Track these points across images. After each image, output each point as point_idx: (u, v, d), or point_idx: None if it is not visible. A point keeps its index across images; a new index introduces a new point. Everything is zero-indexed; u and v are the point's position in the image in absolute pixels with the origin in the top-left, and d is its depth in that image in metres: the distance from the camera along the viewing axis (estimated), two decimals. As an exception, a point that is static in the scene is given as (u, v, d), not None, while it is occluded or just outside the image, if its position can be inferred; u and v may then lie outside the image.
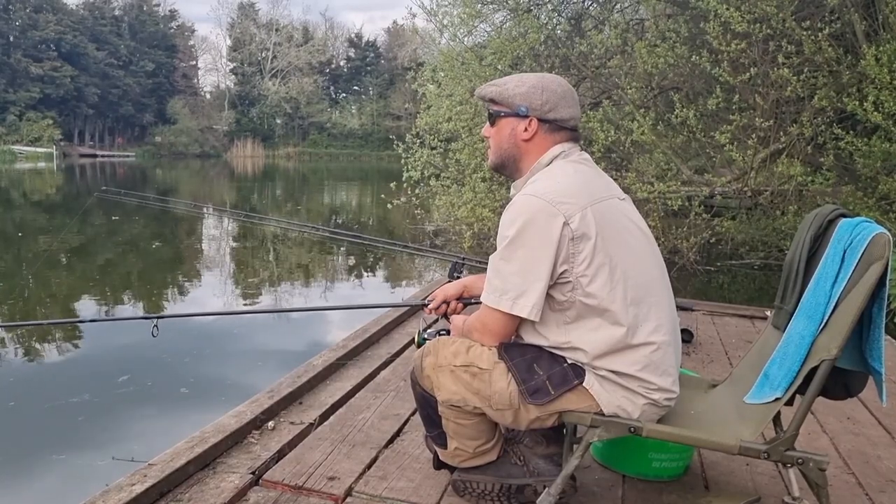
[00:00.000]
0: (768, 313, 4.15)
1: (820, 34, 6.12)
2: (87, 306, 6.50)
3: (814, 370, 1.55)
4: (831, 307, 1.59)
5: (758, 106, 6.89)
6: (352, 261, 9.66)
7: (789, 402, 1.64)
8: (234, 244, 11.53)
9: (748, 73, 6.48)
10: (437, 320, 3.66)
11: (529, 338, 1.69)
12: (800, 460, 1.58)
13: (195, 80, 63.64)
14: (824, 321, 1.59)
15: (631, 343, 1.59)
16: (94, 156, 47.11)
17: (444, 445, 1.83)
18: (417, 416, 2.13)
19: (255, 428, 2.35)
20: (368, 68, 64.27)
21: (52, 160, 40.07)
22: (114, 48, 52.79)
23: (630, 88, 7.55)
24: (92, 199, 13.06)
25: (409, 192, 9.01)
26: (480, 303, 1.70)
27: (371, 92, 63.75)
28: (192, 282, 8.00)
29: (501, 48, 8.24)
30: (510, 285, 1.59)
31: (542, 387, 1.63)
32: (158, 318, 2.09)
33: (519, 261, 1.57)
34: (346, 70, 65.95)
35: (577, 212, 1.55)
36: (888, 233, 1.54)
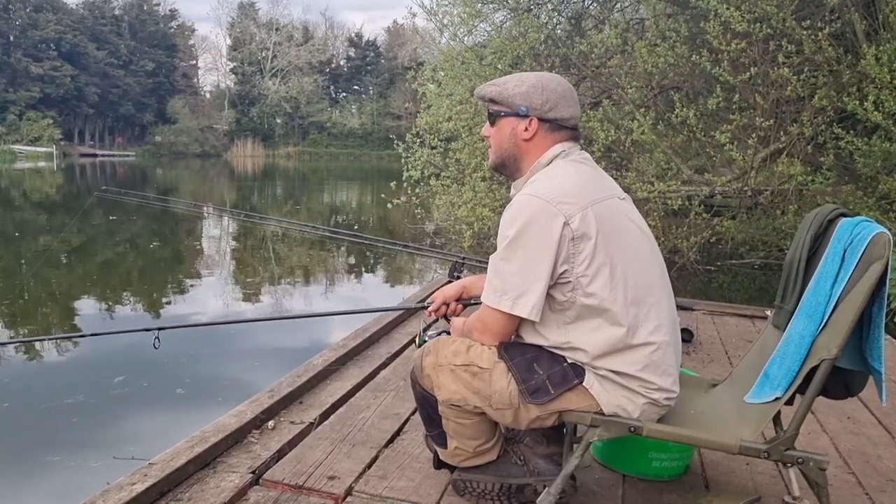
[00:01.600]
0: (768, 313, 4.15)
1: (820, 34, 6.11)
2: (86, 307, 6.49)
3: (814, 370, 1.55)
4: (831, 307, 1.59)
5: (758, 105, 6.90)
6: (352, 260, 9.66)
7: (789, 402, 1.64)
8: (235, 244, 11.53)
9: (748, 73, 6.47)
10: (436, 320, 3.65)
11: (529, 337, 1.69)
12: (800, 460, 1.58)
13: (195, 80, 63.66)
14: (824, 321, 1.60)
15: (631, 343, 1.58)
16: (94, 155, 47.14)
17: (444, 445, 1.83)
18: (417, 416, 2.13)
19: (256, 427, 2.35)
20: (368, 68, 64.26)
21: (52, 160, 40.08)
22: (114, 48, 52.80)
23: (630, 88, 7.55)
24: (92, 199, 13.06)
25: (409, 192, 9.00)
26: (480, 303, 1.70)
27: (371, 91, 63.76)
28: (192, 282, 7.99)
29: (501, 48, 8.23)
30: (510, 285, 1.59)
31: (542, 386, 1.63)
32: (160, 329, 2.06)
33: (519, 261, 1.57)
34: (346, 69, 65.95)
35: (577, 212, 1.55)
36: (888, 232, 1.54)
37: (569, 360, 1.64)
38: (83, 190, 21.65)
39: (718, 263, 7.98)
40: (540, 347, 1.67)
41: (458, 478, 1.87)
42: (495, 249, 1.64)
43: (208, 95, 63.94)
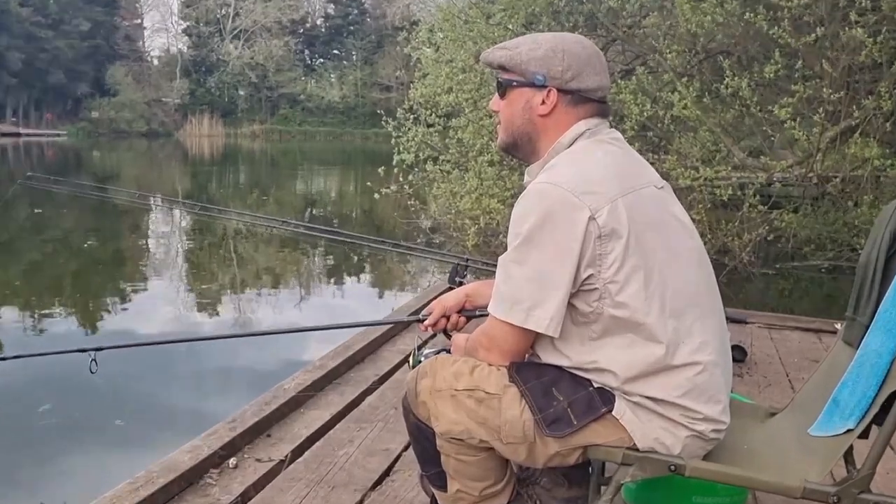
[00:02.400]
0: (838, 326, 4.15)
1: (902, -14, 6.13)
2: (7, 319, 6.49)
3: (893, 396, 1.55)
4: (915, 319, 1.59)
5: (826, 74, 6.90)
6: (331, 262, 9.69)
7: (864, 435, 1.65)
8: (189, 243, 11.57)
9: (814, 35, 6.48)
10: (434, 336, 3.66)
11: (547, 356, 1.69)
12: (876, 505, 1.59)
13: (140, 43, 63.82)
14: (906, 336, 1.60)
15: (671, 364, 1.59)
16: (18, 135, 47.21)
17: (443, 487, 1.83)
18: (410, 452, 2.14)
19: (214, 466, 2.36)
20: (351, 28, 64.45)
21: (-34, 140, 40.16)
22: (41, 4, 52.85)
23: (670, 53, 7.55)
24: (15, 188, 13.06)
25: (401, 179, 9.02)
26: (487, 315, 1.70)
27: (354, 57, 63.91)
28: (136, 289, 8.01)
29: (513, 4, 8.25)
30: (523, 294, 1.59)
31: (563, 416, 1.63)
32: (97, 349, 2.04)
33: (534, 264, 1.58)
34: (323, 30, 66.15)
35: (605, 204, 1.55)
36: (984, 228, 1.54)
37: (595, 384, 1.64)
38: (4, 177, 21.70)
39: (777, 266, 8.00)
40: (560, 368, 1.67)
41: (460, 527, 1.87)
42: (505, 249, 1.64)
43: (156, 62, 64.17)
